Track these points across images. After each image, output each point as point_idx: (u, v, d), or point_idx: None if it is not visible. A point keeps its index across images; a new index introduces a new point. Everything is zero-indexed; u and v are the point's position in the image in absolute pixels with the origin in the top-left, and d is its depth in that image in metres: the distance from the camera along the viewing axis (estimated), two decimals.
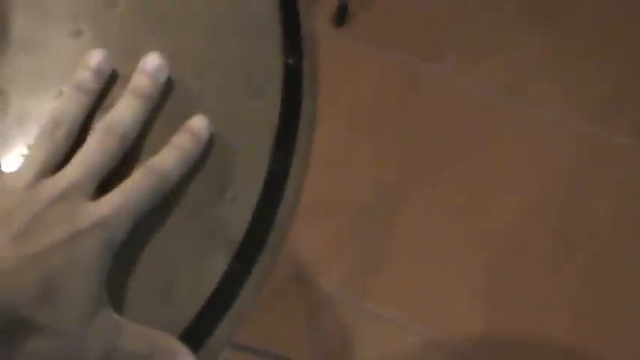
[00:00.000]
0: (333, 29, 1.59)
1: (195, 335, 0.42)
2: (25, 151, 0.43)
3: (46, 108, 0.44)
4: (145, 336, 0.40)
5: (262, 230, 0.44)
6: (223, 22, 0.47)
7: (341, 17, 1.59)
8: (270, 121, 0.46)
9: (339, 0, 1.58)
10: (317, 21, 1.58)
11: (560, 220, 1.38)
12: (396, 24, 1.58)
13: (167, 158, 0.42)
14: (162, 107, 0.45)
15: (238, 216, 0.44)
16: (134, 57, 0.45)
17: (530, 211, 1.39)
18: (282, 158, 0.46)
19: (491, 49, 1.52)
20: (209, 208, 0.44)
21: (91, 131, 0.43)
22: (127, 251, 0.42)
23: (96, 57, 0.43)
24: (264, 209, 0.44)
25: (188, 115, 0.44)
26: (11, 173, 0.40)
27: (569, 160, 1.42)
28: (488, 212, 1.40)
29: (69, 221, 0.39)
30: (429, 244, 1.37)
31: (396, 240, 1.38)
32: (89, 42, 0.45)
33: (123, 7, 0.46)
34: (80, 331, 0.38)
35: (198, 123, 0.44)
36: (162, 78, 0.44)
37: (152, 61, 0.44)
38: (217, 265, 0.43)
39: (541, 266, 1.34)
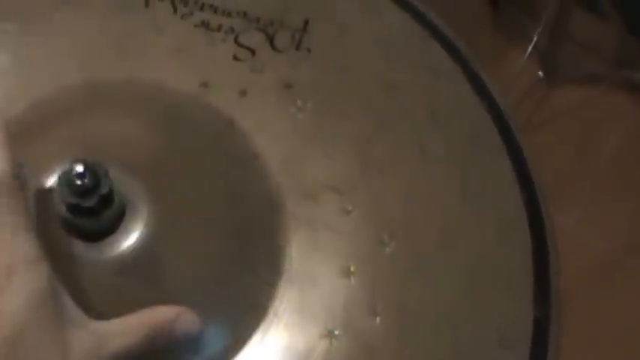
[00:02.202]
0: None
1: None
2: None
3: (309, 345, 0.42)
4: (133, 324, 0.38)
5: None
6: (481, 275, 0.45)
7: None
8: None
9: None
10: None
11: None
12: None
13: None
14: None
15: None
16: (397, 298, 0.44)
17: None
18: None
19: (614, 204, 1.46)
20: None
21: None
22: None
23: None
24: None
25: None
26: None
27: None
28: None
29: None
30: None
31: None
32: (358, 281, 0.44)
33: (391, 247, 0.44)
34: None
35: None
36: None
37: None
38: None
39: None
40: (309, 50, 0.48)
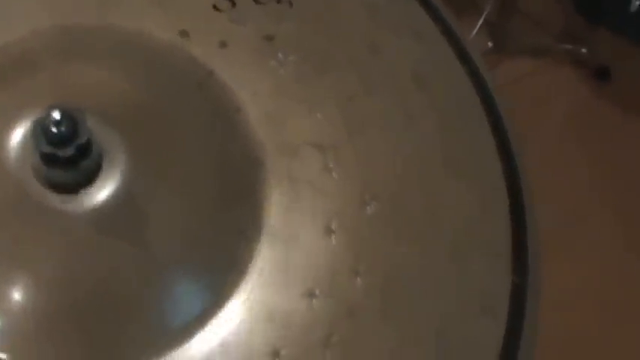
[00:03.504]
0: None
1: None
2: None
3: (290, 304, 0.40)
4: None
5: None
6: (464, 241, 0.43)
7: None
8: (496, 336, 0.42)
9: None
10: None
11: None
12: None
13: None
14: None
15: None
16: (378, 259, 0.41)
17: None
18: None
19: (559, 171, 1.44)
20: None
21: None
22: None
23: None
24: None
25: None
26: None
27: None
28: None
29: None
30: None
31: None
32: (339, 240, 0.41)
33: (372, 208, 0.42)
34: None
35: None
36: None
37: None
38: None
39: None
40: (290, 4, 0.45)
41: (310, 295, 0.39)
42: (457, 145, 0.45)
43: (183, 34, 0.43)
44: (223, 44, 0.43)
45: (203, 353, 0.38)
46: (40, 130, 0.34)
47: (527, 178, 0.46)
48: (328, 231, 0.41)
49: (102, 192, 0.37)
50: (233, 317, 0.38)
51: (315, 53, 0.44)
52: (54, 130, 0.34)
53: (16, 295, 0.38)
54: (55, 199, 0.36)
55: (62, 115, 0.34)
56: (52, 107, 0.34)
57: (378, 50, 0.45)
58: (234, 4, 0.44)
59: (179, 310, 0.38)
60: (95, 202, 0.37)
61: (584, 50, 1.17)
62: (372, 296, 0.40)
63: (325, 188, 0.41)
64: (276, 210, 0.40)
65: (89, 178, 0.36)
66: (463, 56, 0.47)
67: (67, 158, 0.35)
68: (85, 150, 0.35)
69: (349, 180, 0.42)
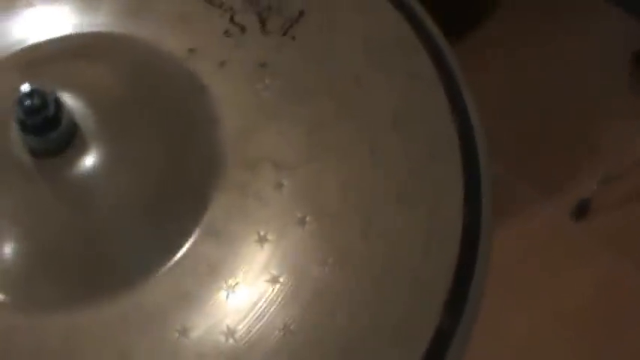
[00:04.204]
0: (569, 221, 1.49)
1: None
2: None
3: (213, 297, 0.43)
4: None
5: None
6: (395, 276, 0.43)
7: (581, 212, 1.48)
8: None
9: (581, 196, 1.48)
10: (556, 210, 1.48)
11: None
12: (634, 232, 1.44)
13: None
14: None
15: None
16: (298, 274, 0.43)
17: None
18: None
19: None
20: None
21: None
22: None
23: None
24: None
25: None
26: None
27: None
28: None
29: None
30: None
31: None
32: (269, 250, 0.44)
33: (310, 226, 0.44)
34: None
35: None
36: None
37: None
38: None
39: None
40: (293, 38, 0.49)
41: (228, 289, 0.42)
42: (418, 187, 0.45)
43: (191, 51, 0.49)
44: (222, 64, 0.48)
45: None
46: (18, 102, 0.41)
47: (490, 222, 0.45)
48: (262, 239, 0.44)
49: (70, 161, 0.43)
50: (152, 297, 0.42)
51: (300, 81, 0.48)
52: (26, 101, 0.41)
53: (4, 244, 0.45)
54: (30, 162, 0.43)
55: (31, 90, 0.41)
56: (25, 83, 0.41)
57: (363, 84, 0.47)
58: (243, 32, 0.50)
59: (124, 264, 0.43)
60: (63, 169, 0.43)
61: None
62: (283, 305, 0.42)
63: (271, 202, 0.45)
64: (217, 212, 0.44)
65: (58, 148, 0.43)
66: (457, 107, 0.48)
67: (35, 126, 0.42)
68: (51, 122, 0.42)
69: (296, 199, 0.45)
